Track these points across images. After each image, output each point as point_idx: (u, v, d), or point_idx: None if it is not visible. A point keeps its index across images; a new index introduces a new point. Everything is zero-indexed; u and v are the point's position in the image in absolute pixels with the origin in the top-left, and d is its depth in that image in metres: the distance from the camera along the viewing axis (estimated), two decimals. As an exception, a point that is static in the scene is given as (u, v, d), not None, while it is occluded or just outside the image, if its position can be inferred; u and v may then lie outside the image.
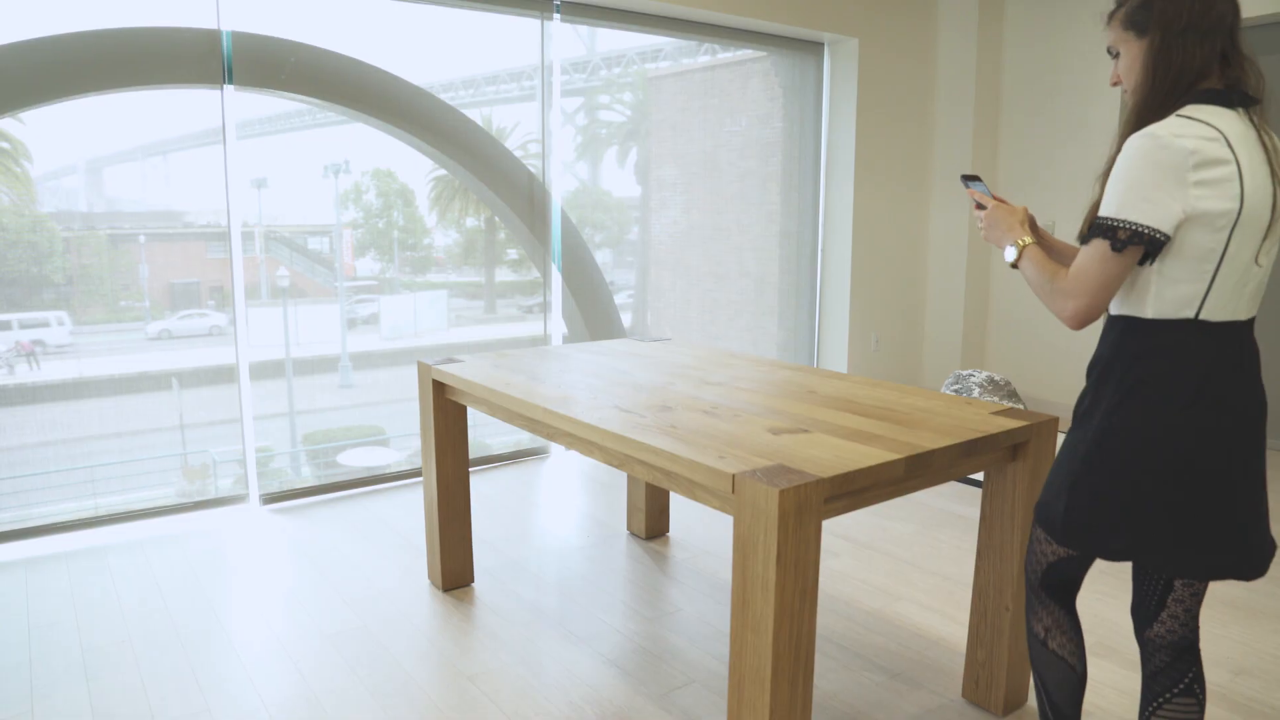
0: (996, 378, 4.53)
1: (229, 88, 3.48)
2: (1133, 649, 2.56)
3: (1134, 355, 1.53)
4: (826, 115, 5.43)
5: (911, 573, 3.11)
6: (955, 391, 4.55)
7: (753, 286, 5.40)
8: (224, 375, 3.72)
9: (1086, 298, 1.51)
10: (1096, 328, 5.19)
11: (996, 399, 4.47)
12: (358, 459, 4.12)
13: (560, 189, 4.50)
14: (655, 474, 1.92)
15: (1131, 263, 1.48)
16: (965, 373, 4.66)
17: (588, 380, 2.54)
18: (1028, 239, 1.66)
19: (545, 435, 2.32)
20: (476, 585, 3.00)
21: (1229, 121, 1.47)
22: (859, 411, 2.16)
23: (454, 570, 2.95)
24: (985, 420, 2.08)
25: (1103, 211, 1.50)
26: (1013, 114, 5.51)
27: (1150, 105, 1.53)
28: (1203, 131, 1.44)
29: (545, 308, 4.57)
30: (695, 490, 1.82)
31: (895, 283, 5.67)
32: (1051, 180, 5.34)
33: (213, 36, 3.43)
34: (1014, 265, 1.67)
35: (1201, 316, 1.48)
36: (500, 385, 2.47)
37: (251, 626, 2.69)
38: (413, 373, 4.28)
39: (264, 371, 3.80)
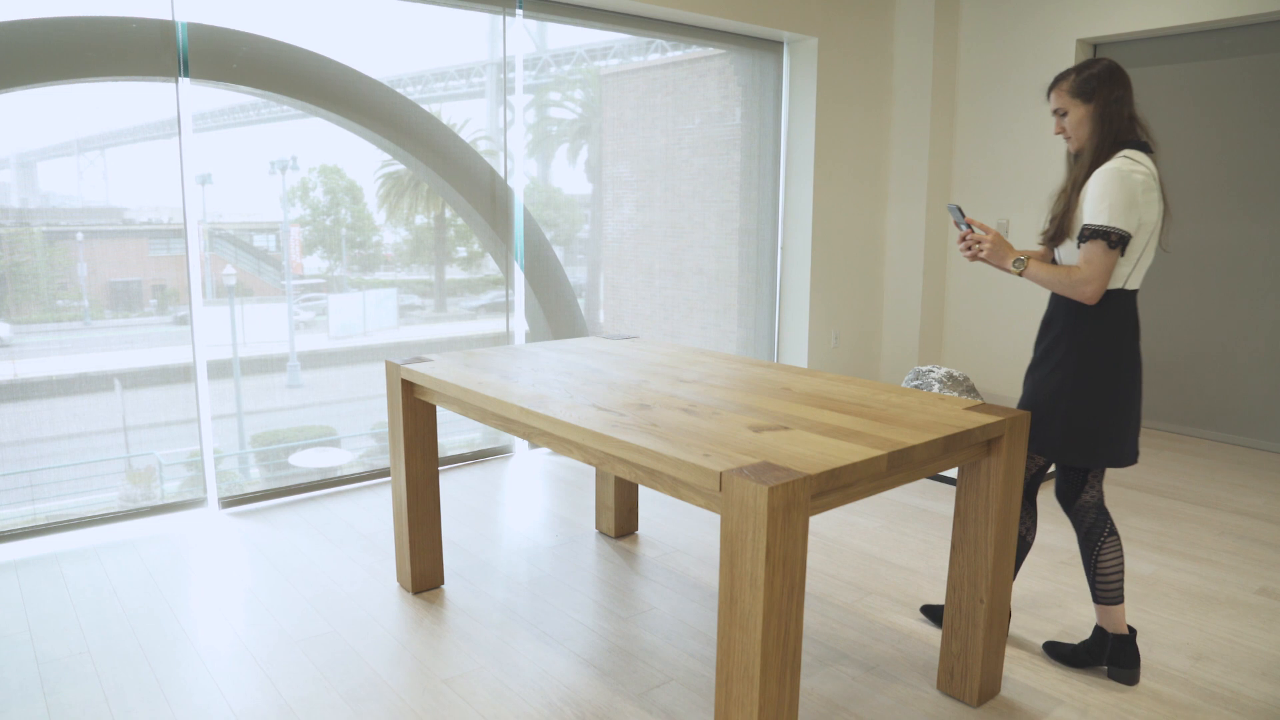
0: (955, 373, 4.61)
1: (184, 80, 3.38)
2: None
3: (1093, 315, 2.26)
4: (786, 113, 5.47)
5: (880, 567, 3.14)
6: (916, 387, 4.61)
7: (712, 284, 5.42)
8: (171, 375, 3.60)
9: (1099, 280, 2.18)
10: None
11: (957, 394, 4.54)
12: (309, 460, 4.03)
13: (520, 186, 4.47)
14: (638, 473, 1.91)
15: (1118, 254, 2.17)
16: (925, 369, 4.73)
17: (561, 379, 2.53)
18: (1024, 255, 2.32)
19: (521, 434, 2.29)
20: (446, 587, 2.96)
21: (1149, 162, 2.21)
22: (836, 408, 2.18)
23: (424, 572, 2.91)
24: (961, 416, 2.11)
25: (1095, 221, 2.16)
26: (968, 113, 5.61)
27: (1102, 149, 2.24)
28: (1140, 169, 2.17)
29: (508, 306, 4.53)
30: (679, 488, 1.82)
31: (854, 280, 5.74)
32: (1004, 178, 5.45)
33: (167, 28, 3.33)
34: (1020, 274, 2.29)
35: (1126, 286, 2.24)
36: (473, 385, 2.44)
37: (217, 634, 2.62)
38: (362, 372, 4.21)
39: (211, 371, 3.69)
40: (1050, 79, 5.14)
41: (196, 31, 3.38)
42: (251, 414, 3.87)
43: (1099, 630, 2.42)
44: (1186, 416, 5.03)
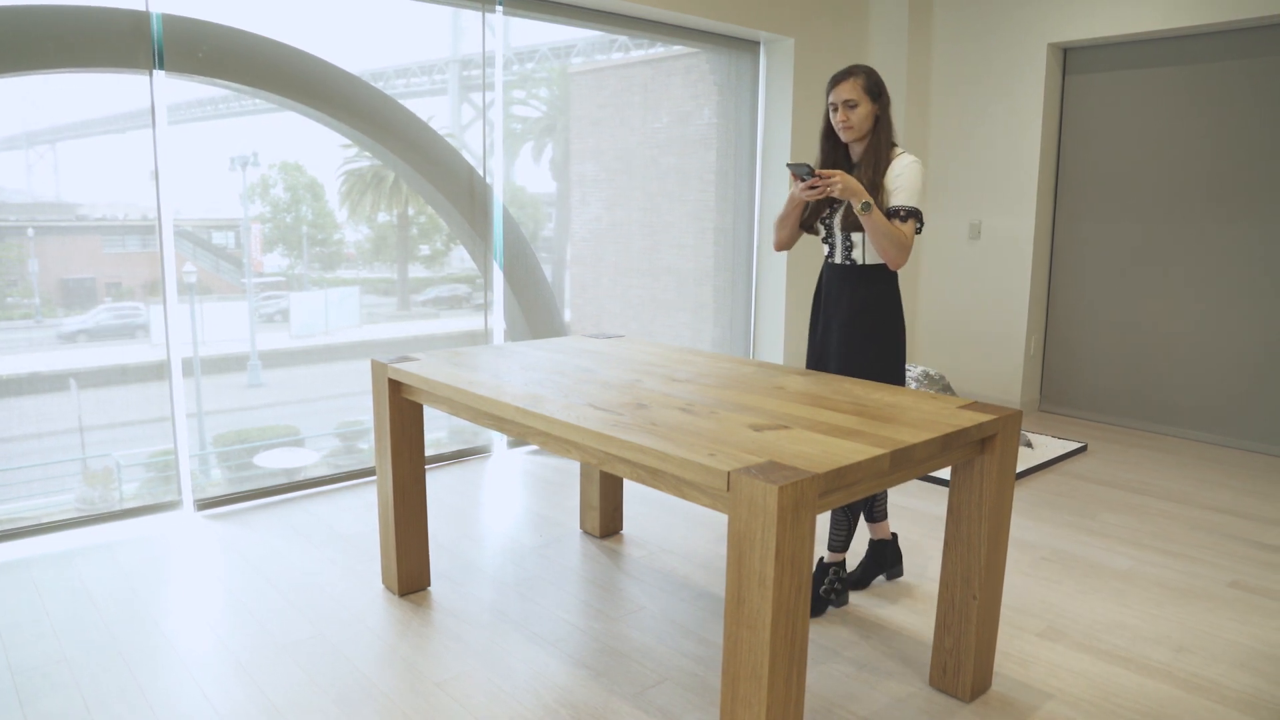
0: (931, 372, 4.66)
1: (159, 73, 3.30)
2: (1083, 631, 2.66)
3: (893, 281, 2.70)
4: (762, 113, 5.48)
5: (865, 564, 3.16)
6: (892, 386, 4.64)
7: (685, 283, 5.42)
8: (132, 375, 3.51)
9: (910, 253, 2.66)
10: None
11: (934, 392, 4.59)
12: (273, 460, 3.97)
13: (500, 183, 4.44)
14: (640, 473, 1.90)
15: None
16: (901, 367, 4.77)
17: (553, 378, 2.51)
18: (867, 205, 2.49)
19: (516, 434, 2.27)
20: (433, 589, 2.92)
21: None
22: (831, 407, 2.18)
23: (410, 574, 2.87)
24: (955, 415, 2.12)
25: (909, 203, 2.53)
26: (941, 115, 5.67)
27: (887, 143, 2.59)
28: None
29: (486, 304, 4.50)
30: (683, 488, 1.81)
31: (829, 279, 5.77)
32: (977, 178, 5.52)
33: (141, 19, 3.24)
34: (865, 213, 2.47)
35: None
36: (465, 384, 2.42)
37: (200, 639, 2.56)
38: (326, 371, 4.16)
39: (168, 371, 3.60)
40: (1018, 81, 5.22)
41: (172, 23, 3.31)
42: (213, 414, 3.79)
43: (876, 544, 2.95)
44: (1155, 414, 5.13)
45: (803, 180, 2.51)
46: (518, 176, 4.74)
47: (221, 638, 2.57)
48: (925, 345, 5.96)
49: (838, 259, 2.72)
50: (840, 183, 2.45)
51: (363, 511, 3.64)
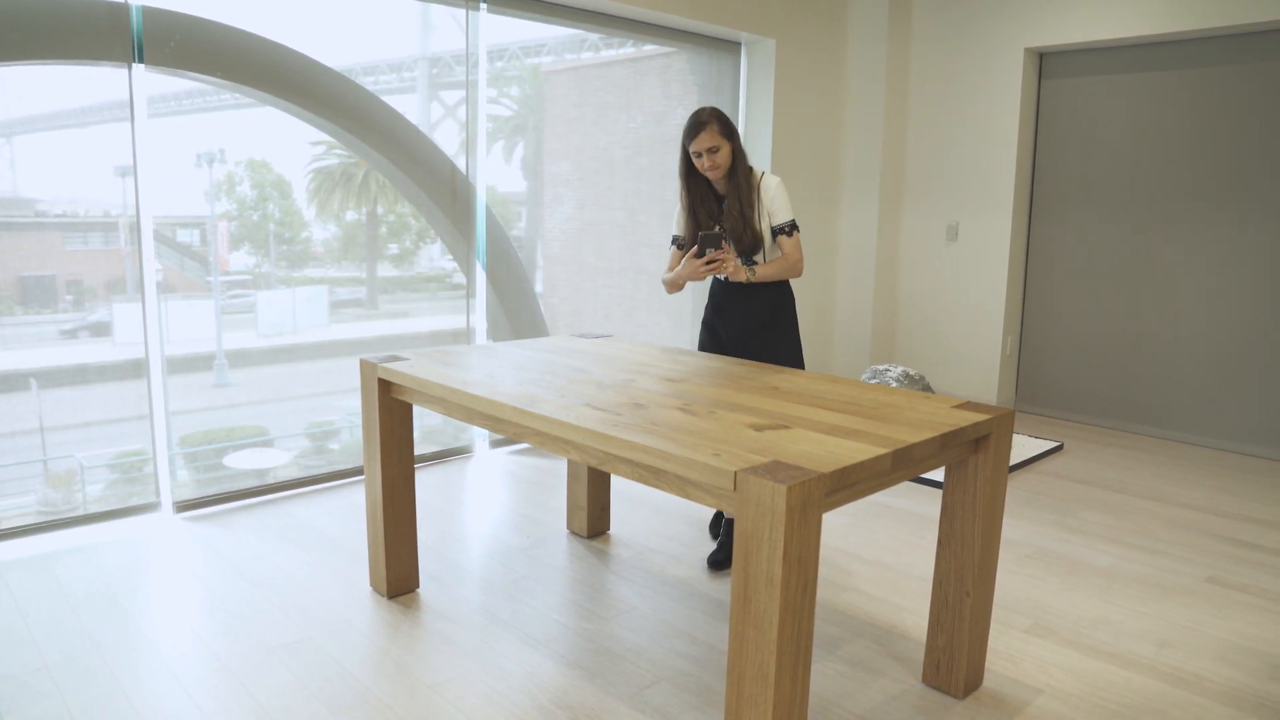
0: (911, 372, 4.70)
1: (139, 66, 3.24)
2: (1069, 627, 2.70)
3: (788, 291, 3.06)
4: (743, 114, 5.50)
5: (852, 564, 3.19)
6: (873, 385, 4.68)
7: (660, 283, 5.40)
8: (88, 375, 3.43)
9: (802, 261, 2.96)
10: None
11: (917, 391, 4.63)
12: (243, 461, 3.91)
13: (483, 182, 4.40)
14: (641, 472, 1.90)
15: None
16: (881, 368, 4.81)
17: (546, 378, 2.50)
18: (750, 266, 2.92)
19: (512, 434, 2.26)
20: (421, 591, 2.90)
21: None
22: (828, 407, 2.19)
23: (399, 576, 2.84)
24: (950, 414, 2.14)
25: (789, 217, 2.91)
26: (919, 118, 5.72)
27: (745, 170, 2.89)
28: None
29: (468, 303, 4.46)
30: (687, 488, 1.81)
31: (807, 280, 5.80)
32: (955, 180, 5.58)
33: (119, 10, 3.18)
34: (752, 278, 2.89)
35: None
36: (459, 384, 2.40)
37: (185, 644, 2.51)
38: (293, 371, 4.10)
39: (132, 371, 3.51)
40: (997, 81, 5.29)
41: (152, 15, 3.24)
42: (179, 414, 3.72)
43: (728, 521, 3.14)
44: (1129, 413, 5.22)
45: (708, 251, 2.83)
46: (488, 175, 4.70)
47: (206, 641, 2.53)
48: (903, 345, 6.02)
49: (742, 276, 2.97)
50: (731, 265, 2.85)
51: (345, 513, 3.60)
